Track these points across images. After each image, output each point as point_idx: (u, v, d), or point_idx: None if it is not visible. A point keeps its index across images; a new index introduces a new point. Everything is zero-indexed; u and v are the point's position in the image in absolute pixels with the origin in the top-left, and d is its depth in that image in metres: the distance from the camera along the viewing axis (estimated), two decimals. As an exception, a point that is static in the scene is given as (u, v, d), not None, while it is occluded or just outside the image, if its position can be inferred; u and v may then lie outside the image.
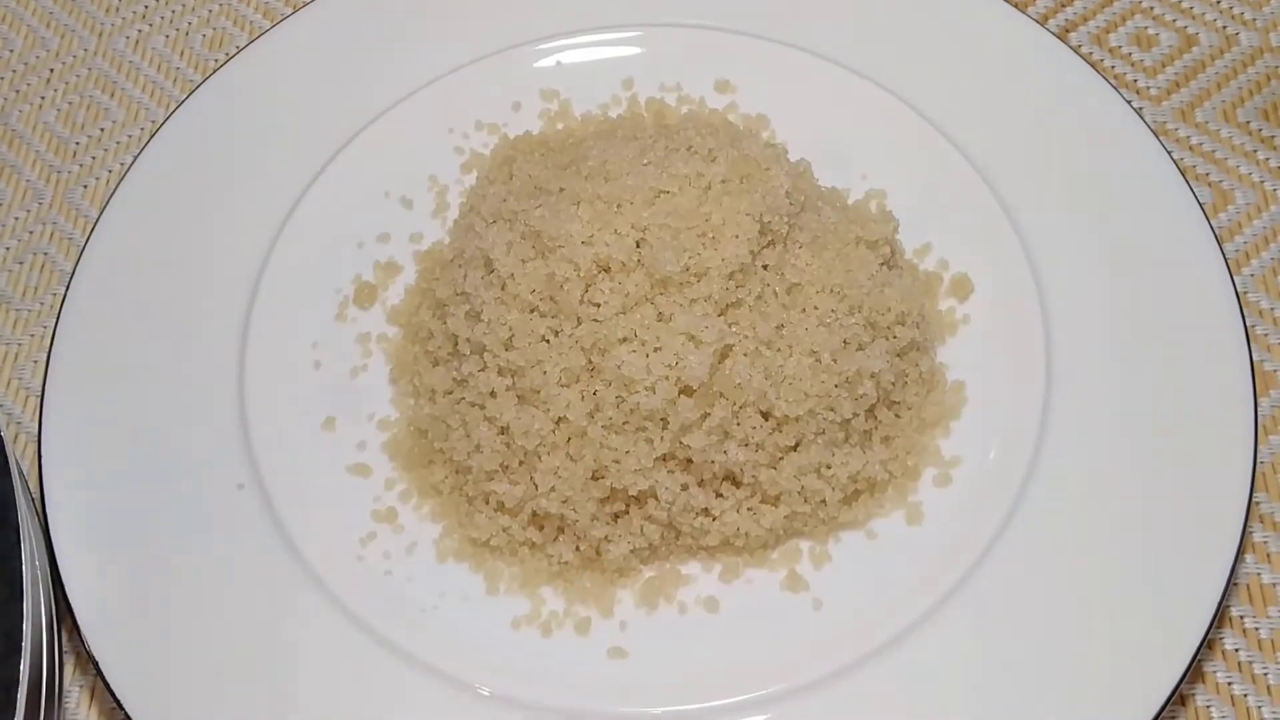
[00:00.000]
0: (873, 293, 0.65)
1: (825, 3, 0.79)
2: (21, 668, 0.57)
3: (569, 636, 0.63)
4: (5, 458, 0.62)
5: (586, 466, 0.62)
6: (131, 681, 0.60)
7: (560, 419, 0.62)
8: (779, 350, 0.63)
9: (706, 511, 0.63)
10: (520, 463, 0.63)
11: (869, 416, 0.65)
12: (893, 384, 0.66)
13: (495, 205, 0.68)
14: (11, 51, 0.85)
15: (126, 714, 0.60)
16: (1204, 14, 0.83)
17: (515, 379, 0.63)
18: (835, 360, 0.63)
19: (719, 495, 0.64)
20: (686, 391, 0.61)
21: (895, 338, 0.66)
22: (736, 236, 0.62)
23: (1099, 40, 0.82)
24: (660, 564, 0.64)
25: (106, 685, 0.60)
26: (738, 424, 0.63)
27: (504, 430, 0.63)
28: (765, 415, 0.63)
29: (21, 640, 0.57)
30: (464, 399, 0.65)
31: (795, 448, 0.64)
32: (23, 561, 0.59)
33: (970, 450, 0.66)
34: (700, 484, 0.63)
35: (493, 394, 0.63)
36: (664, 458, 0.63)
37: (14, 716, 0.56)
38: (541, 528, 0.64)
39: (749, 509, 0.64)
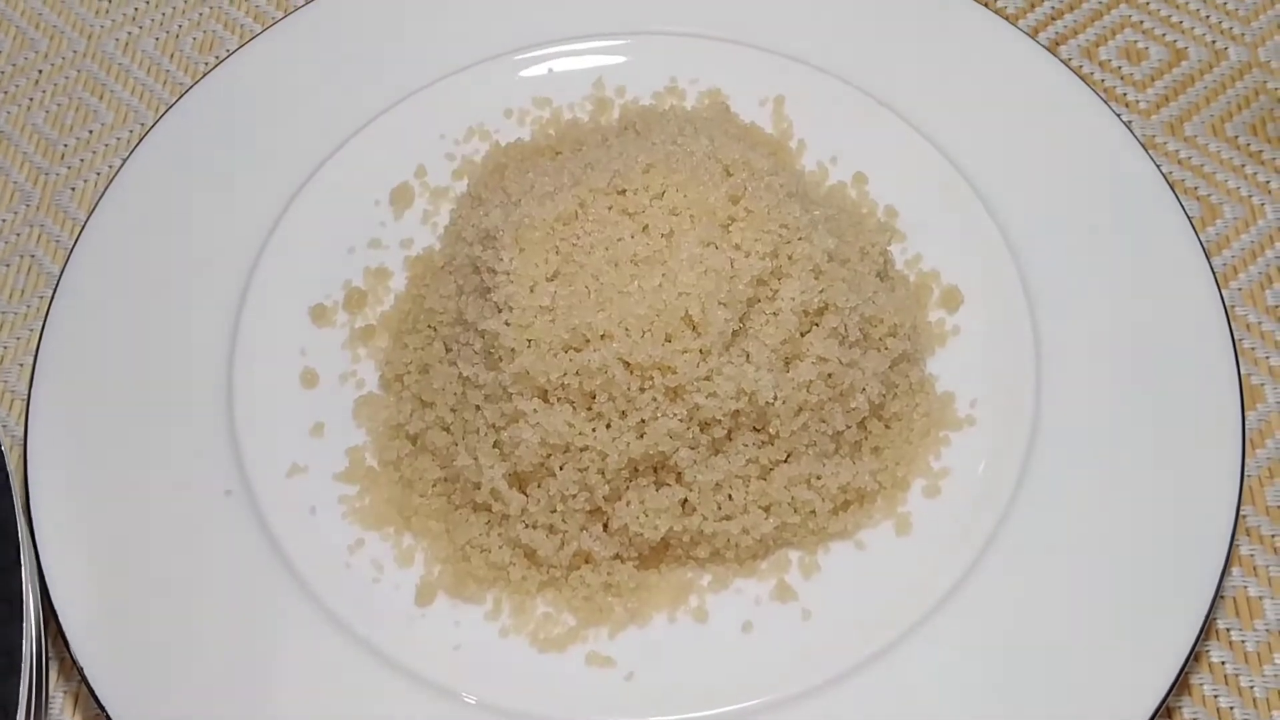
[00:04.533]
0: (866, 304, 0.65)
1: (816, 13, 0.79)
2: (21, 690, 0.56)
3: (556, 645, 0.62)
4: (5, 472, 0.61)
5: (577, 481, 0.62)
6: (116, 688, 0.60)
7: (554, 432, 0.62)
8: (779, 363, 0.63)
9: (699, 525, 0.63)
10: (513, 474, 0.63)
11: (859, 427, 0.65)
12: (883, 395, 0.66)
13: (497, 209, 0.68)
14: (0, 53, 0.85)
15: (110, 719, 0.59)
16: (1193, 28, 0.83)
17: (514, 387, 0.63)
18: (830, 373, 0.63)
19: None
20: (670, 394, 0.61)
21: (887, 349, 0.66)
22: (748, 255, 0.62)
23: (1089, 54, 0.82)
24: (649, 573, 0.64)
25: (91, 692, 0.60)
26: (729, 440, 0.63)
27: (497, 443, 0.63)
28: (757, 429, 0.63)
29: (21, 661, 0.57)
30: (455, 409, 0.65)
31: (786, 459, 0.64)
32: (23, 580, 0.59)
33: (959, 461, 0.66)
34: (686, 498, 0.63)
35: (487, 398, 0.63)
36: (654, 469, 0.63)
37: None
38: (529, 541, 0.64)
39: (739, 520, 0.64)
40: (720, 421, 0.62)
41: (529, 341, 0.62)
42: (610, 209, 0.64)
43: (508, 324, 0.62)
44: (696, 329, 0.61)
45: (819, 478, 0.64)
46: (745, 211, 0.63)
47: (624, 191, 0.64)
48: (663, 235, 0.63)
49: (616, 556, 0.63)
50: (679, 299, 0.61)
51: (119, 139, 0.81)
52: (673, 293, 0.61)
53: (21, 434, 0.67)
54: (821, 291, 0.63)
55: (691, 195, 0.63)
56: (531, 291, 0.62)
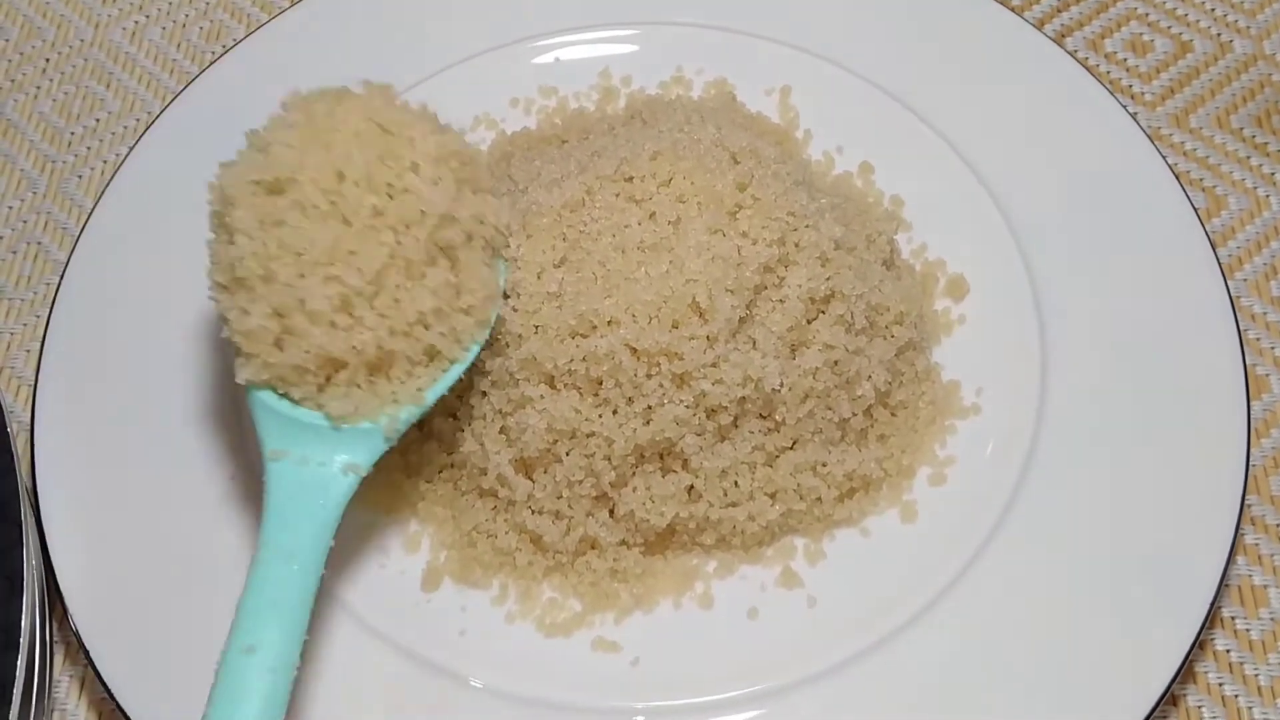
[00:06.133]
0: (872, 292, 0.65)
1: (822, 3, 0.79)
2: (19, 665, 0.57)
3: (562, 630, 0.63)
4: (11, 453, 0.61)
5: (583, 467, 0.62)
6: (122, 671, 0.60)
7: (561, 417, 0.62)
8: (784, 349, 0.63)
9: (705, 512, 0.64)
10: (520, 459, 0.63)
11: (865, 415, 0.66)
12: (889, 383, 0.66)
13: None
14: (7, 41, 0.85)
15: (117, 704, 0.59)
16: (1198, 21, 0.83)
17: (518, 376, 0.63)
18: (836, 361, 0.63)
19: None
20: (677, 381, 0.61)
21: (893, 337, 0.66)
22: (755, 243, 0.62)
23: (1095, 45, 0.83)
24: (655, 559, 0.64)
25: (98, 675, 0.60)
26: (736, 427, 0.63)
27: (503, 429, 0.63)
28: (763, 416, 0.63)
29: (19, 637, 0.57)
30: (462, 395, 0.65)
31: (792, 446, 0.64)
32: (24, 559, 0.59)
33: (965, 449, 0.66)
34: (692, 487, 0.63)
35: (494, 384, 0.63)
36: (661, 455, 0.63)
37: (9, 713, 0.56)
38: (535, 526, 0.64)
39: (745, 507, 0.64)
40: (726, 408, 0.62)
41: (535, 328, 0.62)
42: (618, 196, 0.64)
43: (514, 310, 0.62)
44: (703, 316, 0.61)
45: (825, 465, 0.64)
46: (752, 199, 0.63)
47: (631, 179, 0.64)
48: (670, 222, 0.63)
49: (622, 542, 0.63)
50: (686, 286, 0.61)
51: (125, 127, 0.81)
52: (680, 279, 0.61)
53: (28, 420, 0.67)
54: (828, 279, 0.64)
55: (699, 183, 0.63)
56: (538, 278, 0.62)
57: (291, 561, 0.56)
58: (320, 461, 0.58)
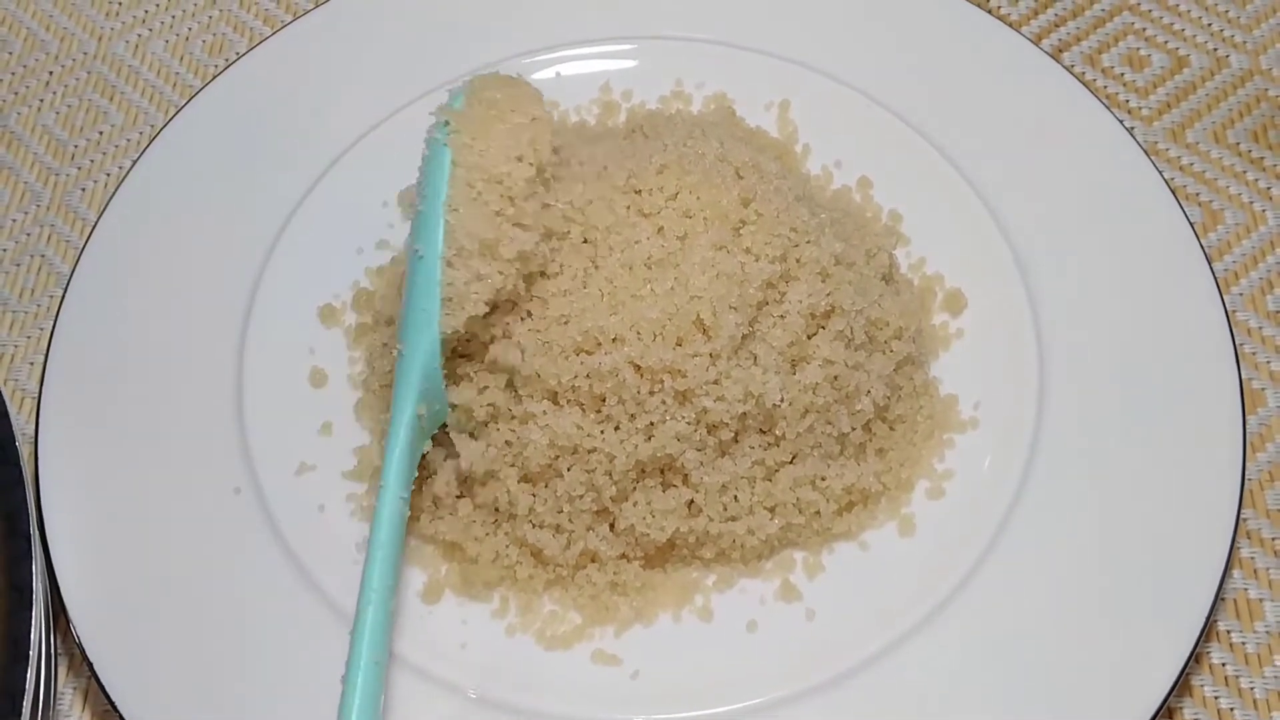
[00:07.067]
0: (871, 307, 0.66)
1: (821, 18, 0.80)
2: (28, 677, 0.57)
3: (562, 642, 0.63)
4: (19, 467, 0.62)
5: (585, 482, 0.63)
6: (126, 684, 0.60)
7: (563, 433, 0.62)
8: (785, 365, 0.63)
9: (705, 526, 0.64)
10: (516, 466, 0.64)
11: (864, 429, 0.66)
12: (888, 397, 0.66)
13: None
14: (10, 54, 0.85)
15: (121, 717, 0.60)
16: (1195, 36, 0.84)
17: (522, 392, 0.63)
18: (836, 376, 0.64)
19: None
20: (679, 398, 0.62)
21: (892, 352, 0.67)
22: (758, 259, 0.63)
23: (1091, 60, 0.83)
24: (655, 573, 0.65)
25: (101, 688, 0.60)
26: (736, 442, 0.63)
27: (508, 442, 0.63)
28: (763, 431, 0.64)
29: (29, 649, 0.57)
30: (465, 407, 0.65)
31: (792, 461, 0.64)
32: (33, 571, 0.59)
33: (963, 463, 0.67)
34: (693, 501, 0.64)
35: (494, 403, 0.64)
36: (661, 470, 0.63)
37: None
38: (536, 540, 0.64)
39: (744, 521, 0.64)
40: (727, 424, 0.62)
41: (540, 344, 0.62)
42: (628, 209, 0.64)
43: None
44: (707, 333, 0.62)
45: (824, 479, 0.65)
46: (756, 214, 0.64)
47: (639, 191, 0.65)
48: (677, 238, 0.63)
49: (623, 556, 0.64)
50: (691, 303, 0.61)
51: (129, 140, 0.81)
52: (684, 296, 0.62)
53: (32, 432, 0.67)
54: (828, 295, 0.64)
55: (704, 197, 0.64)
56: (550, 299, 0.63)
57: (405, 506, 0.61)
58: (422, 431, 0.63)
